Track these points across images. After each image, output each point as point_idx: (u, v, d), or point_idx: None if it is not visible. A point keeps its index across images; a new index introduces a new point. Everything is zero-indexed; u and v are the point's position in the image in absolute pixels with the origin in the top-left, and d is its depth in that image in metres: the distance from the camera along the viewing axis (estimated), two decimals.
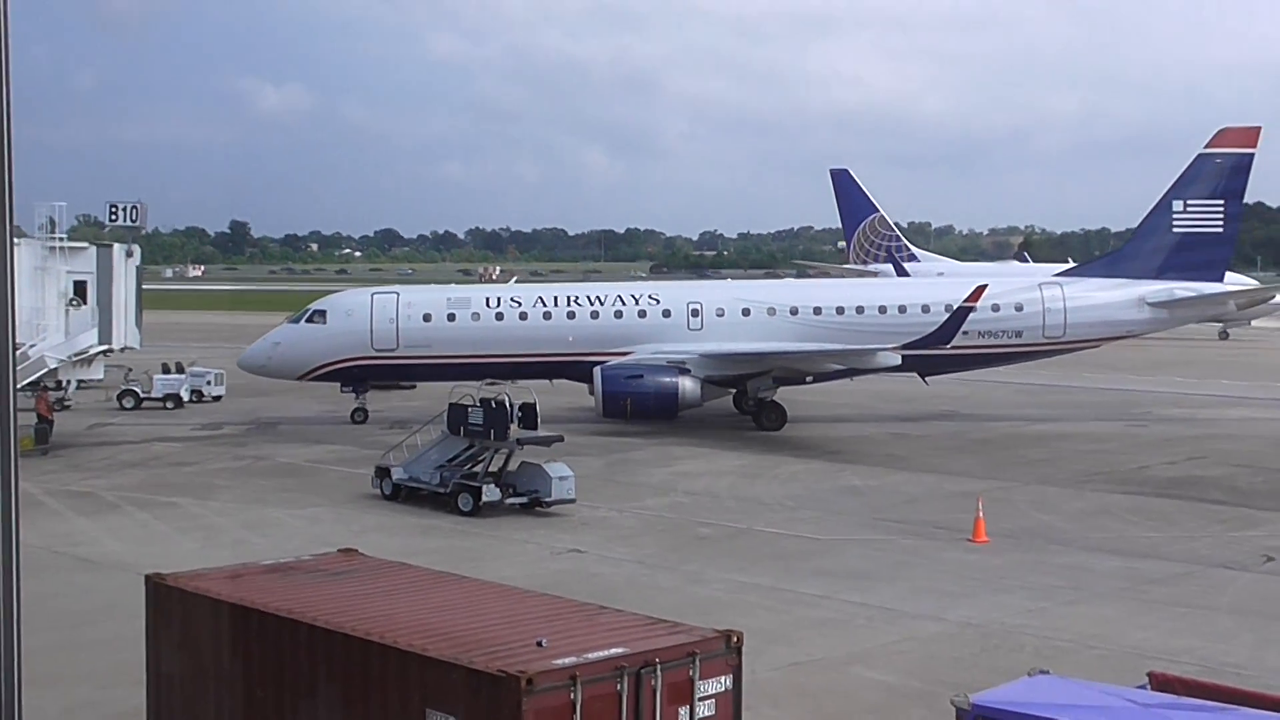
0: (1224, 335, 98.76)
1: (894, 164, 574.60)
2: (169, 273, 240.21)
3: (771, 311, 54.48)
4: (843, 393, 61.03)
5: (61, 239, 46.92)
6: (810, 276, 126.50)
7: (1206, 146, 55.61)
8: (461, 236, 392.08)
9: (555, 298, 54.84)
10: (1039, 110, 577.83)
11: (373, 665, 14.26)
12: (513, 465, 36.80)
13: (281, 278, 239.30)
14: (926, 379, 56.14)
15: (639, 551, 31.61)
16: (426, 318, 53.28)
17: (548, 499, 35.90)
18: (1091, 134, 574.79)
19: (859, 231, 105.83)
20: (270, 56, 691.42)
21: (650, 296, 55.21)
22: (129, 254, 48.91)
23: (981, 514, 32.83)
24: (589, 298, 54.85)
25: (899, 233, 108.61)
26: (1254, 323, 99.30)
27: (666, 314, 54.13)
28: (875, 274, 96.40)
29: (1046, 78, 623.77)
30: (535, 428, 37.04)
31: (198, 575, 17.48)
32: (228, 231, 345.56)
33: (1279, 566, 30.04)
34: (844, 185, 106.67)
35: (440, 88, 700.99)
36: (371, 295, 54.91)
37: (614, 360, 51.86)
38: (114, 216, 51.74)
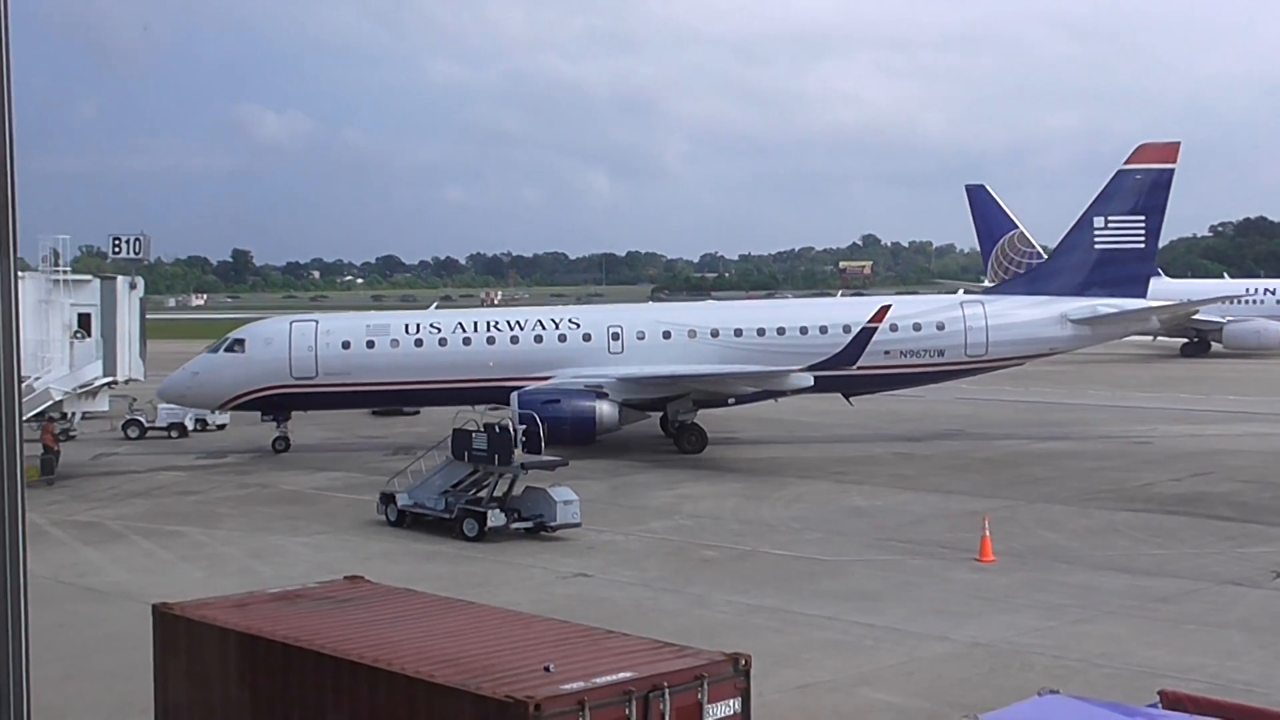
0: None
1: (894, 183, 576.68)
2: (171, 302, 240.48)
3: (692, 334, 54.22)
4: (846, 413, 61.03)
5: (65, 272, 47.04)
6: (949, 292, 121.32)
7: (1126, 162, 55.74)
8: (463, 262, 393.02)
9: (475, 323, 54.49)
10: (1039, 127, 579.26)
11: (380, 692, 14.24)
12: (517, 490, 36.73)
13: (291, 304, 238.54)
14: (850, 399, 56.05)
15: (644, 575, 31.55)
16: (345, 345, 52.98)
17: (553, 523, 35.84)
18: (1093, 150, 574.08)
19: (997, 249, 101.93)
20: (270, 84, 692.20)
21: (570, 320, 55.02)
22: (132, 286, 49.01)
23: (988, 533, 32.76)
24: (509, 322, 54.57)
25: (1040, 250, 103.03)
26: None
27: (587, 338, 53.77)
28: None
29: (1047, 95, 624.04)
30: (539, 452, 37.02)
31: (204, 604, 17.48)
32: (230, 260, 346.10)
33: None
34: (980, 201, 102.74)
35: (440, 112, 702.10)
36: (290, 323, 54.67)
37: (532, 385, 51.16)
38: (117, 249, 51.91)
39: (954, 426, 59.28)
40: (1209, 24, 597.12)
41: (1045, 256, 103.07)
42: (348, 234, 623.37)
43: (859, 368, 49.53)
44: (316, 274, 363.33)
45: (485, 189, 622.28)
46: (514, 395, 49.96)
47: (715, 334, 54.25)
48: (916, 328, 53.90)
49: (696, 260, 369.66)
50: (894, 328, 52.25)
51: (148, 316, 52.22)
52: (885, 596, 28.96)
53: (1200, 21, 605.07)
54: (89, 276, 48.87)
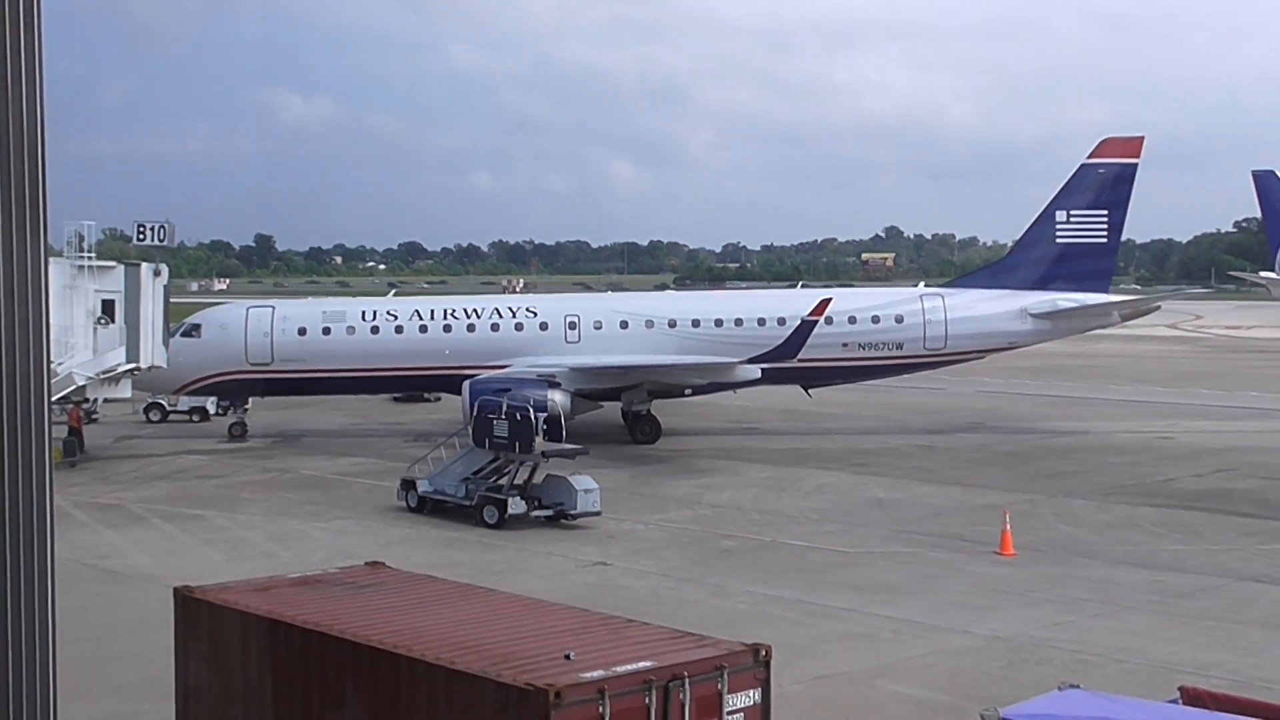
0: None
1: (920, 174, 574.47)
2: (194, 286, 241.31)
3: (650, 324, 53.93)
4: (867, 404, 61.03)
5: (90, 257, 47.16)
6: (1245, 286, 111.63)
7: (1090, 157, 55.69)
8: (485, 249, 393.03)
9: (431, 311, 54.34)
10: (1068, 120, 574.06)
11: (401, 678, 14.28)
12: (538, 478, 36.81)
13: (317, 289, 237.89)
14: (810, 391, 55.96)
15: (664, 564, 31.57)
16: (301, 331, 52.89)
17: (573, 511, 35.90)
18: None
19: None
20: (297, 68, 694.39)
21: (527, 309, 54.83)
22: (157, 273, 49.09)
23: (1008, 527, 32.71)
24: (465, 310, 54.29)
25: None
26: None
27: (544, 327, 53.54)
28: None
29: (1077, 87, 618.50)
30: (560, 440, 37.04)
31: (226, 588, 17.52)
32: (253, 245, 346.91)
33: None
34: (1270, 188, 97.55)
35: (466, 99, 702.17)
36: (247, 309, 54.59)
37: (486, 374, 50.50)
38: (142, 236, 52.09)
39: (975, 419, 59.14)
40: (1241, 17, 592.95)
41: None
42: (371, 220, 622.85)
43: (816, 360, 49.83)
44: (339, 259, 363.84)
45: (510, 176, 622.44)
46: (465, 384, 49.24)
47: (673, 324, 53.85)
48: (875, 320, 53.90)
49: (719, 250, 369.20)
50: (852, 320, 52.53)
51: (170, 299, 52.38)
52: (905, 589, 28.94)
53: (1232, 15, 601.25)
54: (113, 263, 49.01)
